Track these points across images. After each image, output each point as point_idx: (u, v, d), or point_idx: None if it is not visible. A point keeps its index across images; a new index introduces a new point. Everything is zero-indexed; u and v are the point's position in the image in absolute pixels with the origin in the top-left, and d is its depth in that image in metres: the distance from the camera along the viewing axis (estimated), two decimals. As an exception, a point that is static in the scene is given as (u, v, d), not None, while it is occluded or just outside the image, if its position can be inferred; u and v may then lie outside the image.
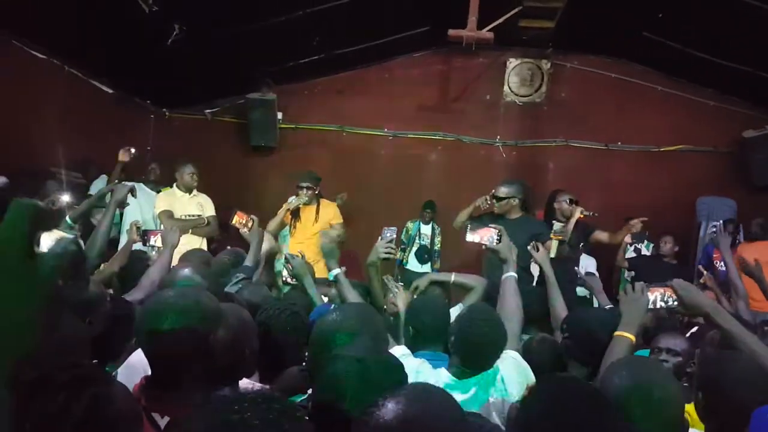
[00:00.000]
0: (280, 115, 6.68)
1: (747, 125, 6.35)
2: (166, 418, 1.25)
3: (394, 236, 2.93)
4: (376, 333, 1.73)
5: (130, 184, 4.83)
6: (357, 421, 1.01)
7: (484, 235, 2.60)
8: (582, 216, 4.28)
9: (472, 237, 2.62)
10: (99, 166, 5.32)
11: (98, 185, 5.00)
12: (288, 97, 6.72)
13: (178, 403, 1.27)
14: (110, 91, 5.75)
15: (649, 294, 2.03)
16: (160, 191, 5.15)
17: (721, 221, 6.02)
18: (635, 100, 6.58)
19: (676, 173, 6.48)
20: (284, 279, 3.26)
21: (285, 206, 4.80)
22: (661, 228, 5.54)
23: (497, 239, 2.57)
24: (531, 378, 2.18)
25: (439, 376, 1.99)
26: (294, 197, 4.86)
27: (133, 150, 4.87)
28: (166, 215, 4.80)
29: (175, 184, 5.04)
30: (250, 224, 3.20)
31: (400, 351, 1.83)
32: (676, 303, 2.00)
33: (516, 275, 2.55)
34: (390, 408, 0.99)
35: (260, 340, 1.86)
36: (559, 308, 2.70)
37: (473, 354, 2.11)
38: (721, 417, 1.53)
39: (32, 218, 0.49)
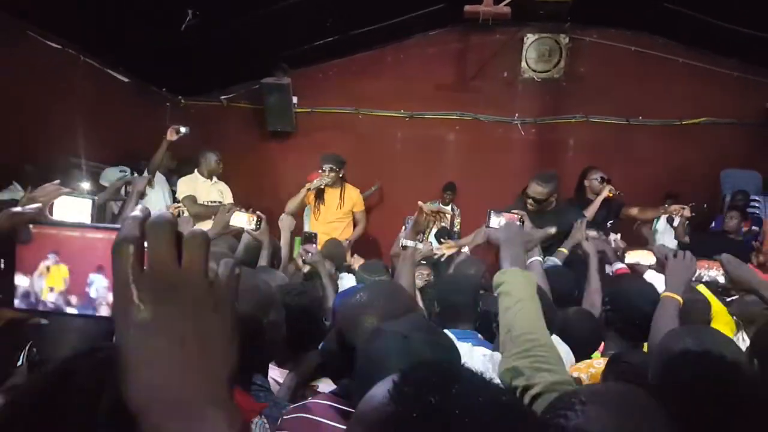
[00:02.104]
0: (295, 100, 6.63)
1: (771, 95, 6.22)
2: None
3: None
4: (406, 310, 1.70)
5: (148, 175, 4.88)
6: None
7: (508, 220, 2.59)
8: (611, 195, 4.26)
9: (495, 223, 2.59)
10: (116, 154, 5.32)
11: (108, 176, 4.98)
12: (303, 81, 6.67)
13: None
14: (126, 80, 5.73)
15: (698, 267, 2.00)
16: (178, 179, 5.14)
17: (733, 192, 5.95)
18: (656, 73, 6.44)
19: (700, 146, 6.36)
20: (304, 258, 3.25)
21: (307, 186, 4.78)
22: (686, 202, 5.46)
23: (520, 225, 2.55)
24: (571, 359, 2.16)
25: (494, 359, 1.96)
26: (317, 179, 4.84)
27: (183, 129, 4.76)
28: (189, 200, 4.80)
29: (196, 170, 5.03)
30: (255, 223, 3.00)
31: None
32: (722, 278, 1.97)
33: (540, 258, 2.55)
34: (592, 414, 0.89)
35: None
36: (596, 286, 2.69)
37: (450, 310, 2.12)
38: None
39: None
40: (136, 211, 0.48)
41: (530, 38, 6.66)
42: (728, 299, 2.79)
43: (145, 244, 0.47)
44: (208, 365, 0.46)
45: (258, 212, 2.99)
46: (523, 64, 6.71)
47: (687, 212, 4.37)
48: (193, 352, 0.45)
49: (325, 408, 1.41)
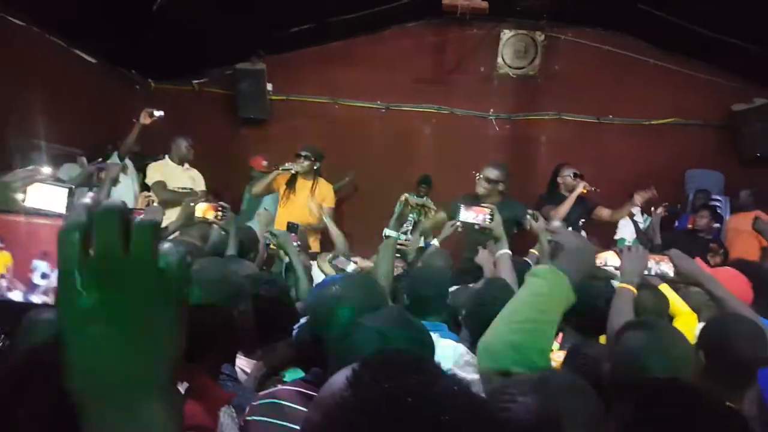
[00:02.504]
0: (270, 86, 6.55)
1: (737, 98, 6.40)
2: (185, 384, 1.26)
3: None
4: (379, 303, 1.72)
5: (119, 161, 4.77)
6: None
7: (478, 214, 2.61)
8: (585, 191, 4.30)
9: (466, 216, 2.61)
10: (81, 138, 5.17)
11: (68, 171, 4.78)
12: (278, 68, 6.58)
13: (199, 374, 1.29)
14: (93, 60, 5.57)
15: (649, 259, 2.11)
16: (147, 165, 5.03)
17: (695, 191, 6.12)
18: (628, 73, 6.56)
19: (667, 146, 6.52)
20: (267, 243, 3.22)
21: (275, 172, 4.73)
22: (652, 200, 5.59)
23: (489, 218, 2.58)
24: None
25: (457, 351, 1.99)
26: (290, 163, 4.78)
27: (157, 113, 4.64)
28: (159, 186, 4.71)
29: (167, 156, 4.94)
30: (219, 214, 2.98)
31: None
32: (670, 271, 2.10)
33: (510, 252, 2.58)
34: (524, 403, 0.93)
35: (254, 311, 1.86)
36: None
37: (483, 329, 2.13)
38: (724, 376, 1.60)
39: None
40: (85, 198, 0.47)
41: (507, 34, 6.71)
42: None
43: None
44: (151, 353, 0.46)
45: (221, 203, 2.96)
46: (499, 59, 6.76)
47: (661, 211, 4.48)
48: (136, 340, 0.45)
49: (294, 394, 1.43)
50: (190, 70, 6.59)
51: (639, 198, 4.50)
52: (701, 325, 2.18)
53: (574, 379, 1.06)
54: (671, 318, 2.50)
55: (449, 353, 1.98)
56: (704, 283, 2.05)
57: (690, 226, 5.59)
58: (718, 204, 6.22)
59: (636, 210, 4.99)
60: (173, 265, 0.48)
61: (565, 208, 4.24)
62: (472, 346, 2.07)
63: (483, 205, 2.71)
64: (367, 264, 2.89)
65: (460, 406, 0.63)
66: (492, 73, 6.78)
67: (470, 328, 2.16)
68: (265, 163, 5.88)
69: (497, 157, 6.58)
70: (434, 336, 2.07)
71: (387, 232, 2.43)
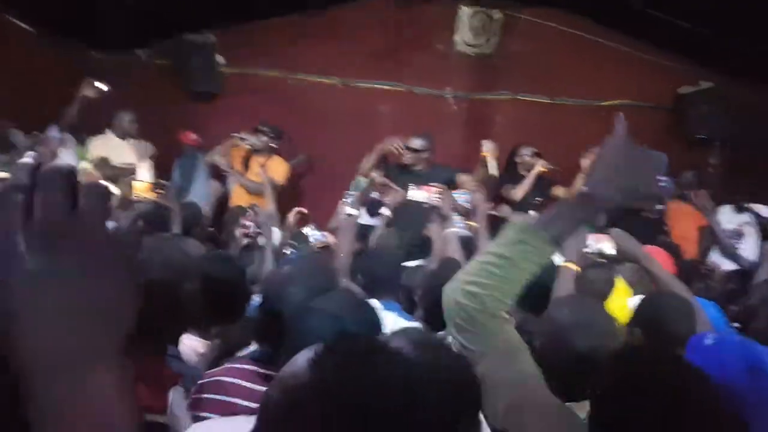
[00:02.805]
0: (221, 59, 6.34)
1: (685, 81, 6.60)
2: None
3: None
4: (330, 284, 1.76)
5: (59, 135, 4.52)
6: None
7: (428, 192, 2.66)
8: (544, 169, 4.33)
9: (415, 195, 2.65)
10: (17, 111, 4.87)
11: None
12: (230, 40, 6.36)
13: (144, 354, 1.25)
14: (30, 29, 5.24)
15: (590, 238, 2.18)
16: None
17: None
18: (583, 54, 6.65)
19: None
20: (245, 231, 3.13)
21: (229, 141, 4.61)
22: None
23: (439, 197, 2.62)
24: None
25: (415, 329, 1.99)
26: (246, 134, 4.66)
27: (101, 84, 4.41)
28: (101, 162, 4.51)
29: (109, 130, 4.73)
30: (160, 192, 2.86)
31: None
32: (609, 249, 2.19)
33: (457, 230, 2.61)
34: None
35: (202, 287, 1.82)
36: None
37: (437, 310, 2.14)
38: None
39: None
40: (27, 158, 0.43)
41: (465, 11, 6.67)
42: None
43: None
44: (102, 319, 0.43)
45: (161, 181, 2.88)
46: (457, 37, 6.73)
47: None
48: (85, 305, 0.42)
49: (241, 371, 1.47)
50: (135, 41, 6.29)
51: (585, 162, 4.57)
52: (635, 298, 2.27)
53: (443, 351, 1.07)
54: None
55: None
56: (643, 261, 2.16)
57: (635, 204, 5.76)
58: (663, 184, 6.42)
59: None
60: (125, 230, 0.45)
61: (524, 187, 4.28)
62: (427, 325, 2.08)
63: (432, 184, 2.75)
64: (332, 240, 2.86)
65: (419, 392, 0.65)
66: (450, 51, 6.75)
67: (425, 307, 2.19)
68: (194, 136, 5.73)
69: (455, 136, 6.64)
70: (392, 315, 2.09)
71: (348, 210, 2.42)
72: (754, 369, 1.18)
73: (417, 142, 4.01)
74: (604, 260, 2.45)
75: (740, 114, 6.42)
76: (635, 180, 1.05)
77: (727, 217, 5.74)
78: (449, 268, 2.23)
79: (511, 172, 4.58)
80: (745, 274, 3.19)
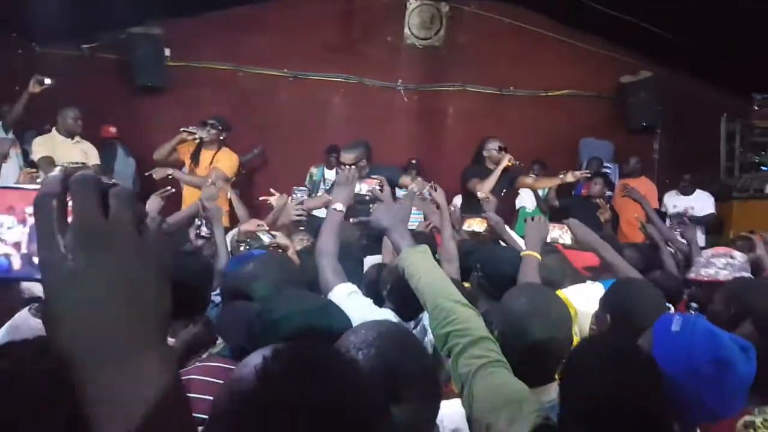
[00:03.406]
0: (168, 52, 6.19)
1: (626, 71, 6.86)
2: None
3: (305, 197, 2.91)
4: (293, 280, 1.76)
5: (11, 136, 4.35)
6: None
7: (370, 185, 2.68)
8: (510, 164, 4.39)
9: (358, 188, 2.67)
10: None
11: None
12: (177, 33, 6.22)
13: None
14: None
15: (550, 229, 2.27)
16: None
17: (588, 159, 6.57)
18: (527, 45, 6.83)
19: (563, 116, 6.90)
20: (198, 232, 3.09)
21: (179, 136, 4.52)
22: (550, 168, 5.93)
23: (379, 189, 2.65)
24: None
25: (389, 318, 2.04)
26: (195, 127, 4.58)
27: (47, 80, 4.25)
28: (46, 162, 4.35)
29: (54, 128, 4.57)
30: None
31: (348, 288, 1.84)
32: (567, 238, 2.27)
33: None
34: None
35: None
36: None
37: (411, 303, 2.20)
38: (621, 335, 1.75)
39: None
40: (55, 172, 0.49)
41: (413, 4, 6.74)
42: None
43: (69, 200, 0.47)
44: (140, 310, 0.47)
45: (112, 180, 2.81)
46: (406, 30, 6.79)
47: (570, 177, 4.68)
48: (123, 299, 0.46)
49: (216, 369, 1.47)
50: (79, 34, 6.07)
51: (572, 176, 4.66)
52: (597, 286, 2.38)
53: (407, 331, 1.17)
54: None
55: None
56: (599, 250, 2.27)
57: (584, 192, 5.99)
58: (608, 171, 6.70)
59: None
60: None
61: (491, 181, 4.29)
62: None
63: (373, 177, 2.76)
64: (284, 241, 2.84)
65: (363, 403, 0.68)
66: (399, 43, 6.81)
67: (394, 301, 2.21)
68: (113, 129, 5.70)
69: (405, 128, 6.72)
70: (367, 301, 2.11)
71: (338, 207, 2.40)
72: (720, 360, 1.22)
73: (348, 157, 3.95)
74: (561, 248, 2.58)
75: (677, 102, 6.75)
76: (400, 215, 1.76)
77: (673, 201, 6.05)
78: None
79: (478, 165, 4.63)
80: (687, 257, 3.37)
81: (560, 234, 2.32)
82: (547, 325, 1.54)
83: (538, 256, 2.15)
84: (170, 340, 1.84)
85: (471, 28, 6.81)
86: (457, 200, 4.56)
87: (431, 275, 1.48)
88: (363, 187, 2.63)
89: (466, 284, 2.40)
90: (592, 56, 6.86)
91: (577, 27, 6.80)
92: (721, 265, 2.51)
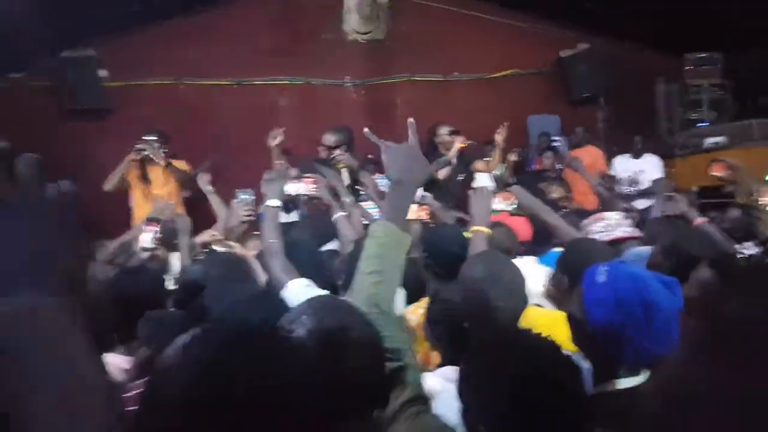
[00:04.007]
0: (103, 73, 6.02)
1: (563, 46, 7.03)
2: None
3: (252, 197, 2.85)
4: (241, 278, 1.76)
5: None
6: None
7: (306, 185, 2.67)
8: (463, 145, 4.41)
9: (291, 189, 2.65)
10: None
11: None
12: (112, 53, 6.05)
13: None
14: None
15: (494, 198, 2.32)
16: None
17: (538, 135, 6.72)
18: (467, 30, 6.91)
19: (508, 96, 7.01)
20: (143, 246, 2.99)
21: (127, 158, 4.43)
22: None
23: (314, 187, 2.65)
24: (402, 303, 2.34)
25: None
26: (139, 145, 4.50)
27: None
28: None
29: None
30: None
31: (303, 282, 1.83)
32: (512, 206, 2.35)
33: (344, 215, 2.66)
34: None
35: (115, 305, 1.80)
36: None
37: None
38: None
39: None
40: None
41: (350, 0, 6.72)
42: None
43: None
44: (34, 260, 0.48)
45: None
46: (346, 25, 6.78)
47: (513, 157, 4.77)
48: (20, 249, 0.48)
49: None
50: (8, 64, 5.83)
51: (499, 137, 4.71)
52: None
53: (346, 304, 1.14)
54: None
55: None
56: (541, 213, 2.32)
57: (537, 167, 6.11)
58: (558, 144, 6.85)
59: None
60: (56, 194, 0.52)
61: (447, 167, 4.33)
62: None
63: (307, 176, 2.75)
64: (240, 251, 2.80)
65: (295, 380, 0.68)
66: (342, 39, 6.80)
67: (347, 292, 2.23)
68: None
69: (357, 124, 6.68)
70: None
71: (270, 202, 2.35)
72: (646, 302, 1.25)
73: (330, 139, 3.96)
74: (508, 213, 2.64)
75: (616, 70, 6.95)
76: (420, 168, 1.40)
77: (623, 165, 6.22)
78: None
79: (431, 154, 4.65)
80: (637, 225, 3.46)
81: (507, 204, 2.37)
82: (505, 291, 1.58)
83: (486, 230, 2.16)
84: (129, 357, 1.81)
85: (411, 17, 6.85)
86: (418, 192, 4.57)
87: (387, 278, 1.30)
88: (300, 187, 2.61)
89: None
90: (531, 34, 7.01)
91: (513, 7, 6.92)
92: (598, 229, 2.59)
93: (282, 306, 1.39)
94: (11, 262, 0.46)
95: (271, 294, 1.45)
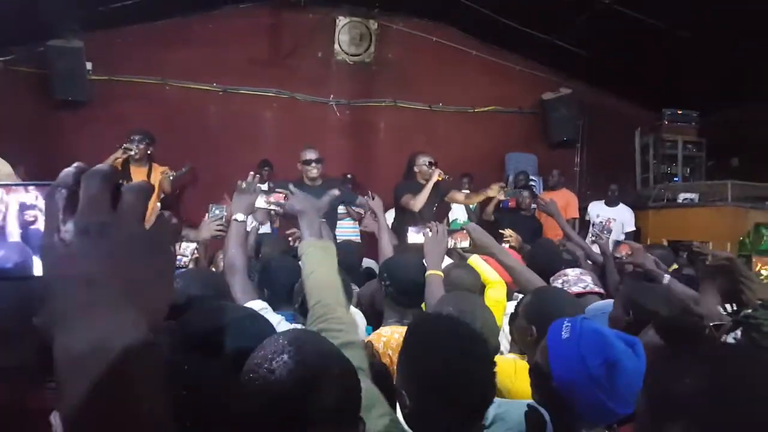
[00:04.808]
0: (89, 66, 5.99)
1: (546, 88, 7.20)
2: None
3: (225, 213, 2.85)
4: (218, 294, 1.76)
5: None
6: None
7: (276, 200, 2.67)
8: (440, 178, 4.48)
9: (261, 203, 2.65)
10: None
11: None
12: (100, 46, 6.03)
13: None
14: None
15: (449, 237, 2.33)
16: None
17: (512, 174, 6.82)
18: (454, 63, 7.05)
19: (489, 132, 7.15)
20: None
21: (112, 157, 4.40)
22: (478, 181, 6.12)
23: (284, 200, 2.65)
24: (363, 326, 2.35)
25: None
26: (127, 144, 4.47)
27: None
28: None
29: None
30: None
31: (259, 305, 1.84)
32: (466, 243, 2.34)
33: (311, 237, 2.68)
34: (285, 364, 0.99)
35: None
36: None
37: None
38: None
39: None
40: (71, 167, 0.50)
41: (342, 21, 6.83)
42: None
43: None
44: (128, 297, 0.48)
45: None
46: (336, 46, 6.87)
47: (497, 192, 4.81)
48: (112, 284, 0.47)
49: None
50: (-7, 46, 5.78)
51: (494, 190, 4.77)
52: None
53: (324, 340, 1.16)
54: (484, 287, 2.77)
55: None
56: (497, 254, 2.34)
57: (512, 205, 6.19)
58: (533, 183, 6.97)
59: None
60: (159, 224, 0.52)
61: (423, 196, 4.36)
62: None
63: (278, 191, 2.75)
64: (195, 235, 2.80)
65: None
66: (330, 59, 6.88)
67: (303, 314, 2.22)
68: None
69: (338, 143, 6.76)
70: (285, 322, 2.11)
71: (237, 216, 2.33)
72: (609, 362, 1.26)
73: (312, 154, 4.03)
74: (464, 254, 2.65)
75: (595, 116, 7.15)
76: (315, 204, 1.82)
77: (597, 210, 6.35)
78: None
79: (410, 180, 4.70)
80: (602, 268, 3.52)
81: (459, 240, 2.37)
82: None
83: (440, 273, 2.17)
84: None
85: (399, 44, 6.97)
86: (390, 215, 4.62)
87: (322, 272, 1.51)
88: (270, 202, 2.62)
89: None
90: (515, 74, 7.18)
91: (499, 45, 7.09)
92: (558, 285, 2.63)
93: (269, 329, 1.39)
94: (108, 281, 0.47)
95: (257, 317, 1.45)
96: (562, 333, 1.36)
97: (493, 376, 1.26)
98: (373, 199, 3.38)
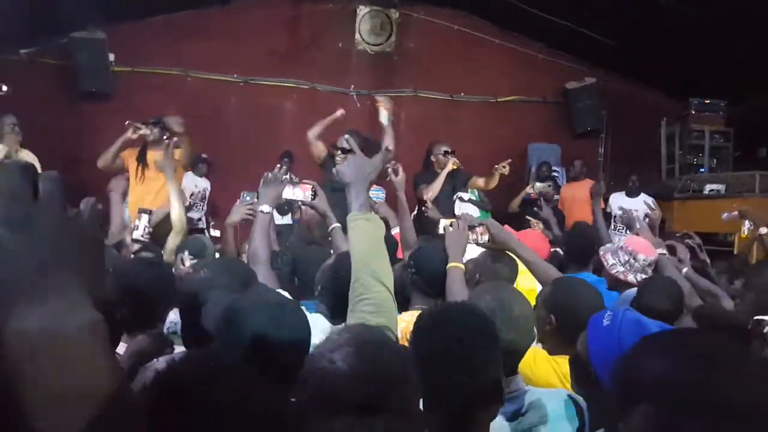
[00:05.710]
0: (112, 57, 6.03)
1: (570, 77, 7.08)
2: None
3: (255, 200, 2.86)
4: (248, 284, 1.74)
5: None
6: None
7: (303, 191, 2.65)
8: (455, 167, 4.47)
9: (288, 194, 2.62)
10: None
11: None
12: (122, 38, 6.08)
13: None
14: None
15: (469, 232, 2.30)
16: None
17: (536, 164, 6.74)
18: (476, 52, 6.97)
19: (512, 122, 7.06)
20: (137, 237, 2.99)
21: (123, 137, 4.37)
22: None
23: (312, 195, 2.62)
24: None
25: (317, 321, 2.03)
26: (141, 124, 4.45)
27: (4, 87, 4.07)
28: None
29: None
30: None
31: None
32: (486, 239, 2.31)
33: (340, 225, 2.64)
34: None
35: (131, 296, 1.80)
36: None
37: (340, 304, 2.19)
38: (571, 334, 1.80)
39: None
40: None
41: (363, 10, 6.79)
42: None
43: None
44: (59, 281, 0.48)
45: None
46: (357, 36, 6.83)
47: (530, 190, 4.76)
48: (42, 270, 0.48)
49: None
50: (18, 39, 5.84)
51: (504, 168, 4.74)
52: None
53: (385, 336, 1.15)
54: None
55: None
56: (516, 249, 2.29)
57: (534, 196, 6.10)
58: (556, 174, 6.89)
59: None
60: (85, 210, 0.52)
61: (437, 185, 4.36)
62: (330, 320, 2.12)
63: (305, 182, 2.72)
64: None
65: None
66: (351, 49, 6.84)
67: (326, 302, 2.19)
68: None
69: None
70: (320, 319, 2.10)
71: (263, 207, 2.32)
72: None
73: (344, 142, 4.02)
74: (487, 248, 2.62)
75: (620, 106, 7.02)
76: (365, 171, 1.65)
77: (619, 202, 6.23)
78: (347, 262, 2.26)
79: (427, 169, 4.69)
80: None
81: (479, 235, 2.32)
82: (511, 322, 1.57)
83: (462, 266, 2.16)
84: (122, 346, 1.81)
85: (421, 34, 6.91)
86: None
87: (366, 247, 1.49)
88: (297, 193, 2.60)
89: None
90: (538, 63, 7.06)
91: (522, 34, 6.98)
92: (622, 260, 2.62)
93: (305, 319, 1.38)
94: (31, 273, 0.47)
95: (293, 307, 1.43)
96: (603, 321, 1.37)
97: (498, 359, 1.28)
98: (396, 175, 3.25)
